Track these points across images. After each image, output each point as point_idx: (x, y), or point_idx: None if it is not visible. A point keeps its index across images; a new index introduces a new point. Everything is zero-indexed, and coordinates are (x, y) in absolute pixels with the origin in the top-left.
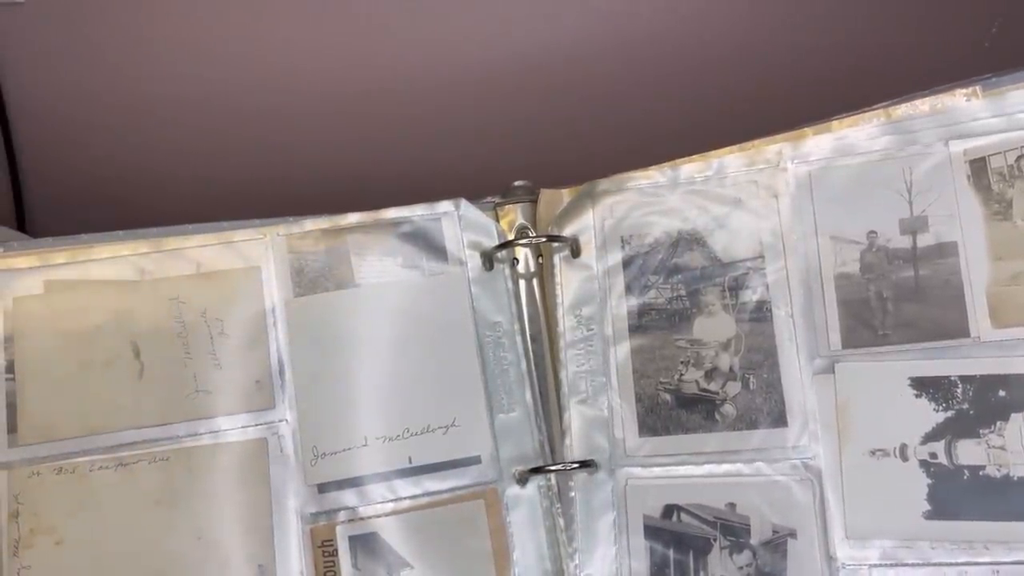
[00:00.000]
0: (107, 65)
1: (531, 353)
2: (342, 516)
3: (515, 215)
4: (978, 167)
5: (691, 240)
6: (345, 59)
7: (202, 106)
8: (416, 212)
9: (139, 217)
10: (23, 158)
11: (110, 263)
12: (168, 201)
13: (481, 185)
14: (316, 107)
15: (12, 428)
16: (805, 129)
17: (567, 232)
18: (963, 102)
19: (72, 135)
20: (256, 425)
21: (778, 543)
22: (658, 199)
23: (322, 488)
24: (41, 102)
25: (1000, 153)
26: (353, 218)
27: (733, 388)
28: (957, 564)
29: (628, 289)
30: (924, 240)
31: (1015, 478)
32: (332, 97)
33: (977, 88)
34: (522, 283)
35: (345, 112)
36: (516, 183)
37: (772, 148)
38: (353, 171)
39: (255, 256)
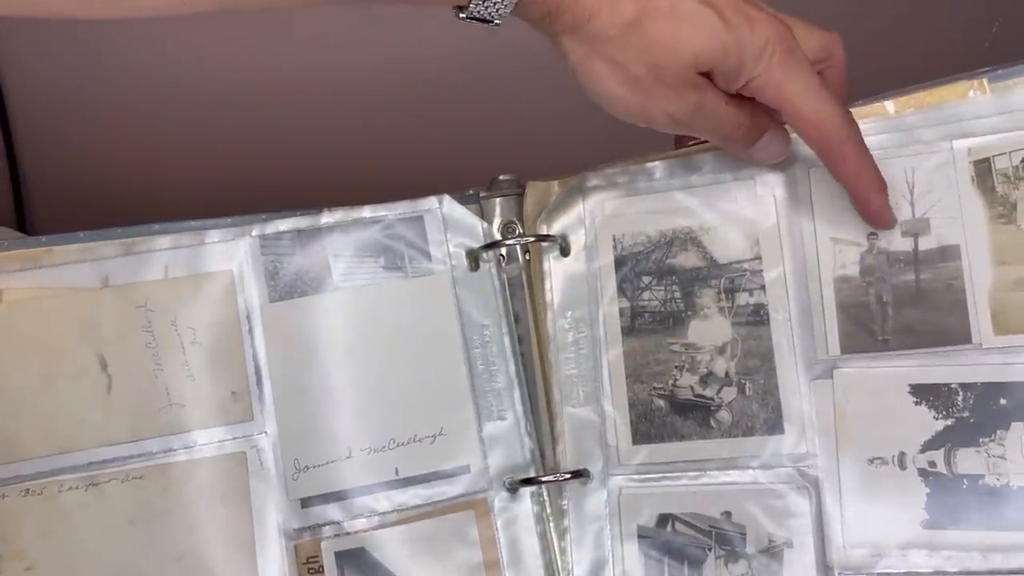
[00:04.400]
0: (107, 65)
1: (520, 356)
2: (327, 531)
3: (501, 210)
4: (982, 168)
5: (686, 240)
6: (336, 54)
7: (201, 105)
8: (397, 210)
9: (140, 217)
10: (23, 158)
11: (69, 268)
12: (169, 200)
13: (465, 180)
14: (303, 103)
15: None
16: None
17: (556, 229)
18: (967, 96)
19: (72, 135)
20: (234, 439)
21: (774, 552)
22: (652, 196)
23: (305, 503)
24: (41, 102)
25: (1005, 154)
26: (330, 216)
27: (729, 394)
28: (955, 573)
29: (620, 290)
30: (926, 243)
31: (1014, 487)
32: (323, 92)
33: (984, 81)
34: (508, 282)
35: (331, 106)
36: (501, 177)
37: None
38: (333, 167)
39: (226, 258)
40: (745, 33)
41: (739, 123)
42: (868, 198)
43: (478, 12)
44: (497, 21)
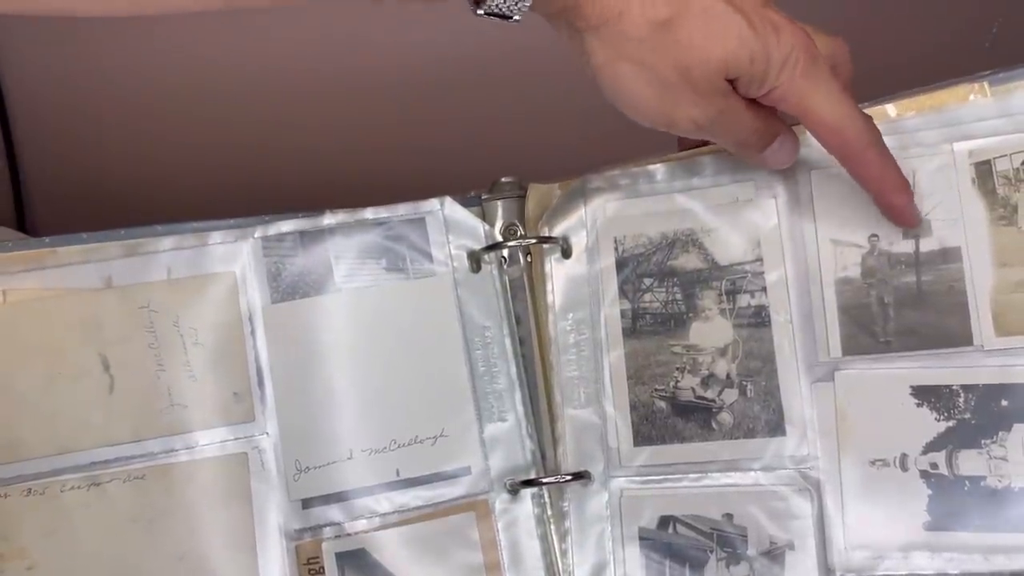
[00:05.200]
0: (107, 65)
1: (521, 358)
2: (328, 532)
3: (502, 212)
4: (983, 170)
5: (687, 241)
6: (338, 54)
7: (202, 106)
8: (398, 212)
9: (140, 217)
10: (23, 158)
11: (72, 269)
12: (170, 201)
13: (467, 182)
14: (305, 104)
15: None
16: None
17: (557, 231)
18: (968, 99)
19: (72, 135)
20: (235, 439)
21: (776, 554)
22: (653, 198)
23: (306, 504)
24: (41, 102)
25: (1006, 156)
26: (332, 218)
27: (730, 396)
28: (957, 575)
29: (622, 292)
30: (927, 245)
31: (1016, 489)
32: (325, 94)
33: (984, 84)
34: (510, 284)
35: (334, 107)
36: (503, 179)
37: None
38: (336, 168)
39: (229, 260)
40: (772, 41)
41: (756, 128)
42: (893, 201)
43: (496, 7)
44: (517, 17)
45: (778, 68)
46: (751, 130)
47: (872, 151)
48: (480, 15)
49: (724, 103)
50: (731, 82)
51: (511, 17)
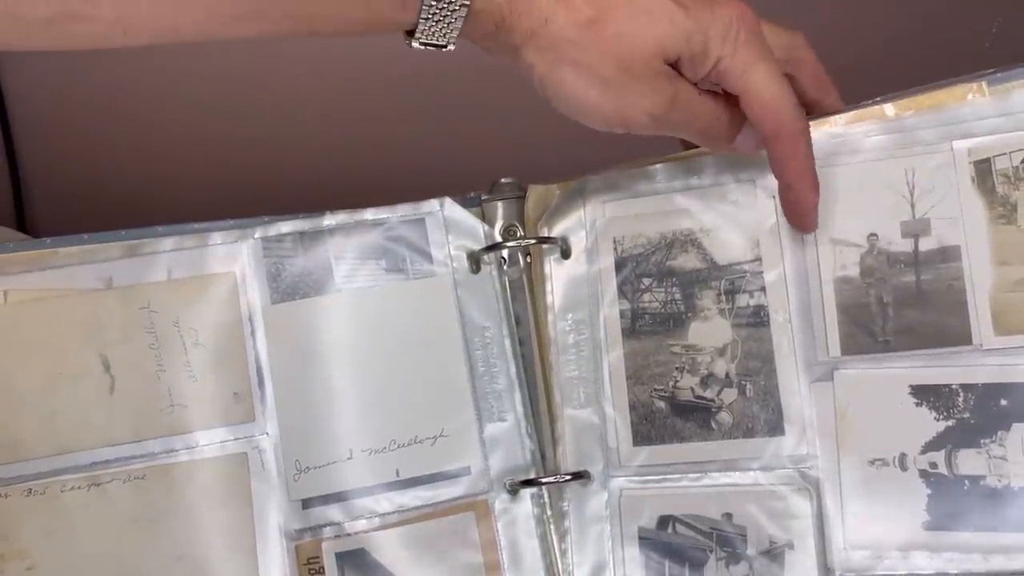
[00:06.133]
0: (107, 65)
1: (521, 358)
2: (328, 532)
3: (502, 213)
4: (983, 168)
5: (686, 241)
6: (338, 55)
7: (202, 106)
8: (398, 212)
9: (140, 217)
10: (23, 158)
11: (73, 269)
12: (170, 201)
13: (467, 182)
14: (305, 105)
15: None
16: None
17: (557, 231)
18: (967, 98)
19: (72, 135)
20: (236, 439)
21: (775, 554)
22: (652, 198)
23: (306, 504)
24: (41, 102)
25: (1005, 154)
26: (332, 219)
27: (729, 395)
28: (956, 575)
29: (621, 292)
30: (926, 244)
31: (1016, 488)
32: (325, 95)
33: (983, 83)
34: (509, 285)
35: (334, 108)
36: (503, 180)
37: None
38: (336, 169)
39: (229, 260)
40: (706, 16)
41: (716, 113)
42: (807, 196)
43: (428, 38)
44: (451, 46)
45: (719, 40)
46: (712, 115)
47: (803, 140)
48: (416, 47)
49: (672, 89)
50: (675, 67)
51: (445, 46)
